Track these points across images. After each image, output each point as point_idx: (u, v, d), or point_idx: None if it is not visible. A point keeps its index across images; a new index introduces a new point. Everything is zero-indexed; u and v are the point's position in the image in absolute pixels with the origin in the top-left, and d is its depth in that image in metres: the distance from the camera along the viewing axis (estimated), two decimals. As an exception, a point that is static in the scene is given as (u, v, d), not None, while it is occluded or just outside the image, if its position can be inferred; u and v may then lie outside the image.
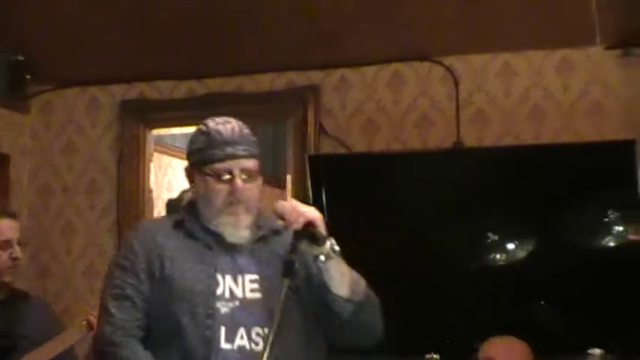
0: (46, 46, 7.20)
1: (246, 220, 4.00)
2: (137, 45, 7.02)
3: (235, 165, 3.96)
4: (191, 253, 4.01)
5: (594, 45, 6.46)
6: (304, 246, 3.82)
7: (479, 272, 6.43)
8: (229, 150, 3.98)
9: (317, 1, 6.64)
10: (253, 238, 4.05)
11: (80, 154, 7.35)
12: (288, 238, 3.88)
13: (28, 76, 7.21)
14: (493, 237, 6.44)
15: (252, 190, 3.94)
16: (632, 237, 6.17)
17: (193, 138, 4.18)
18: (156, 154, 7.51)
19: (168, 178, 7.85)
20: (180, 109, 7.21)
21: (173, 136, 7.88)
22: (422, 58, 6.77)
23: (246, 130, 4.14)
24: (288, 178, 7.07)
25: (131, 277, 4.00)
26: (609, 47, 6.43)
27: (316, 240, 3.79)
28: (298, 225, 3.78)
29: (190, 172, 4.17)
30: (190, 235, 4.04)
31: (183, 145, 7.85)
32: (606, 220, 6.25)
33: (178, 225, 4.09)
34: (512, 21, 6.53)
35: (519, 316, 6.09)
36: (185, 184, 7.79)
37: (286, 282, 3.73)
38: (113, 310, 3.96)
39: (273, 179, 7.37)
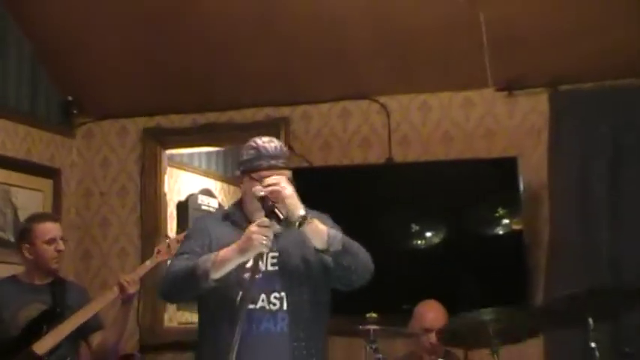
0: (87, 90, 7.31)
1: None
2: (155, 88, 7.15)
3: (277, 175, 4.08)
4: (231, 235, 4.09)
5: (488, 88, 6.59)
6: (272, 219, 3.91)
7: (406, 252, 6.62)
8: (272, 162, 4.11)
9: (289, 61, 6.74)
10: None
11: (113, 168, 7.42)
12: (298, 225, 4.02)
13: (75, 111, 7.31)
14: (415, 227, 6.66)
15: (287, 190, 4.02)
16: (514, 227, 6.42)
17: (244, 151, 4.23)
18: (169, 168, 7.54)
19: (178, 185, 7.82)
20: (187, 134, 7.35)
21: (182, 154, 7.88)
22: (363, 97, 6.90)
23: (285, 148, 4.24)
24: None
25: (194, 244, 4.15)
26: (498, 90, 6.61)
27: (277, 217, 3.88)
28: (268, 207, 3.93)
29: (240, 177, 4.26)
30: (234, 224, 4.18)
31: (189, 161, 8.14)
32: (496, 214, 6.48)
33: (226, 217, 4.29)
34: (428, 70, 6.66)
35: (435, 284, 6.23)
36: (189, 190, 8.02)
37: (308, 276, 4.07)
38: (175, 261, 4.16)
39: None
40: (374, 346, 5.30)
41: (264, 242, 3.83)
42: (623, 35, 6.12)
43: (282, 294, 4.07)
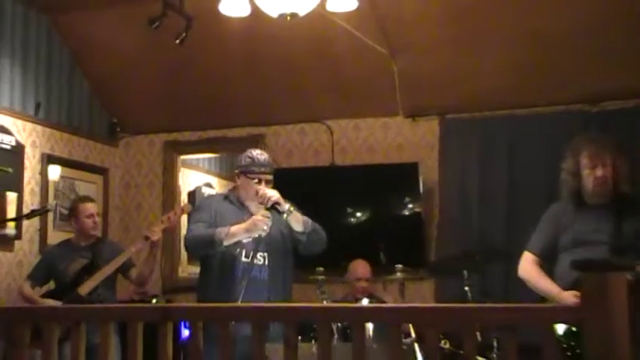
0: (127, 115, 7.33)
1: (261, 207, 4.20)
2: (172, 114, 7.17)
3: (263, 177, 4.25)
4: (231, 208, 4.29)
5: (399, 116, 6.67)
6: (273, 212, 4.13)
7: (344, 226, 6.60)
8: (262, 169, 4.26)
9: (265, 93, 6.74)
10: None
11: (144, 168, 7.44)
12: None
13: (118, 129, 7.36)
14: (350, 210, 6.70)
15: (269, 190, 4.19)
16: (415, 210, 6.46)
17: (242, 157, 4.32)
18: (182, 169, 7.52)
19: (188, 180, 7.75)
20: (194, 145, 7.36)
21: (191, 159, 7.77)
22: (315, 121, 6.92)
23: (270, 160, 4.35)
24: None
25: (208, 217, 4.25)
26: (406, 117, 6.65)
27: (279, 211, 4.12)
28: (269, 203, 4.10)
29: (238, 175, 4.32)
30: (231, 202, 4.32)
31: (196, 163, 8.06)
32: (403, 201, 6.52)
33: (226, 198, 4.39)
34: (360, 103, 6.69)
35: (363, 248, 6.15)
36: (195, 183, 7.94)
37: (282, 246, 4.26)
38: (192, 227, 4.28)
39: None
40: (321, 290, 5.30)
41: (265, 227, 4.06)
42: (492, 79, 6.16)
43: (265, 254, 4.21)
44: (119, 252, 5.33)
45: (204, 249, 4.24)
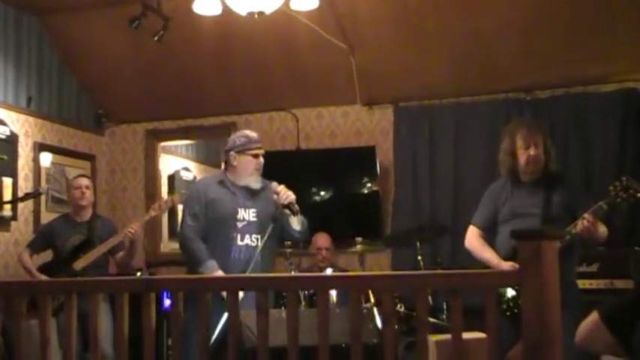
0: (111, 106, 7.24)
1: (259, 178, 4.25)
2: (153, 105, 7.08)
3: (260, 152, 4.24)
4: (225, 196, 4.20)
5: (357, 104, 6.64)
6: (286, 210, 4.08)
7: (309, 204, 6.31)
8: (258, 144, 4.25)
9: (236, 86, 6.69)
10: (259, 188, 4.23)
11: (128, 155, 7.35)
12: (268, 193, 4.16)
13: (104, 119, 7.26)
14: (314, 189, 6.64)
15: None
16: (373, 188, 6.44)
17: (237, 139, 4.26)
18: (162, 154, 7.45)
19: (168, 165, 7.69)
20: (173, 133, 7.29)
21: (170, 146, 7.69)
22: (282, 109, 6.86)
23: (260, 138, 4.32)
24: (222, 164, 6.96)
25: (200, 208, 4.17)
26: (363, 105, 6.62)
27: (292, 210, 4.05)
28: (285, 201, 4.04)
29: (231, 154, 4.21)
30: (226, 187, 4.21)
31: (175, 150, 7.95)
32: (362, 181, 6.51)
33: (220, 182, 4.25)
34: (322, 93, 6.65)
35: (326, 222, 6.07)
36: (174, 168, 7.86)
37: (270, 226, 4.04)
38: (190, 222, 4.17)
39: (215, 165, 7.37)
40: (289, 261, 5.34)
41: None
42: (438, 71, 6.19)
43: (258, 236, 4.14)
44: (113, 229, 5.32)
45: (189, 263, 4.21)
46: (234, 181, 4.25)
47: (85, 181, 5.38)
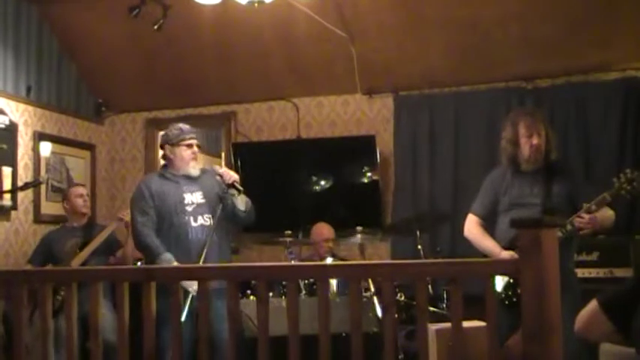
0: (111, 95, 7.20)
1: (197, 165, 4.40)
2: (153, 94, 7.07)
3: (194, 142, 4.38)
4: (168, 186, 4.33)
5: (357, 93, 6.63)
6: (231, 190, 4.25)
7: (309, 193, 6.58)
8: (191, 135, 4.39)
9: (237, 76, 6.68)
10: (198, 174, 4.39)
11: (128, 143, 7.35)
12: (209, 176, 4.36)
13: (103, 109, 7.23)
14: (314, 178, 6.62)
15: (198, 154, 4.39)
16: (373, 178, 6.41)
17: (171, 132, 4.42)
18: (161, 141, 7.39)
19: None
20: (172, 122, 6.62)
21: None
22: (282, 99, 6.84)
23: (194, 129, 4.47)
24: (222, 154, 7.09)
25: (145, 202, 4.28)
26: (364, 94, 6.60)
27: (237, 189, 4.23)
28: (229, 181, 4.24)
29: (166, 147, 4.39)
30: (168, 179, 4.36)
31: None
32: (363, 170, 6.47)
33: (161, 175, 4.42)
34: (322, 82, 6.63)
35: (326, 212, 6.23)
36: None
37: (219, 205, 4.23)
38: (139, 218, 4.28)
39: (215, 154, 7.53)
40: (289, 250, 5.37)
41: (194, 288, 3.79)
42: (439, 60, 6.20)
43: (210, 215, 4.30)
44: (109, 235, 5.42)
45: (147, 258, 4.30)
46: (174, 172, 4.40)
47: (84, 190, 5.62)
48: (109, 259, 5.43)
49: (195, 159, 4.41)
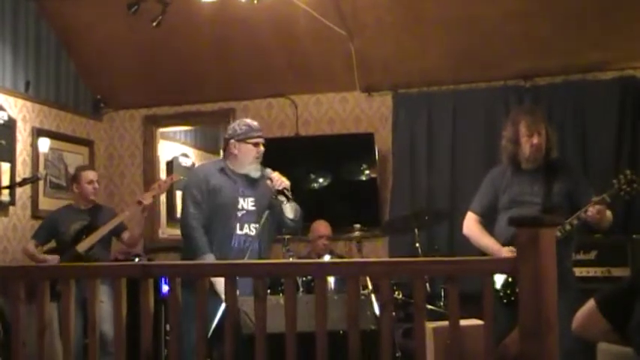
0: (110, 92, 7.20)
1: (259, 167, 4.23)
2: (152, 90, 7.06)
3: (261, 140, 4.23)
4: (226, 185, 4.18)
5: (356, 91, 6.62)
6: (280, 196, 4.07)
7: (307, 190, 6.52)
8: (259, 133, 4.24)
9: (236, 73, 6.67)
10: (259, 176, 4.20)
11: (126, 140, 7.35)
12: (265, 183, 4.16)
13: (102, 105, 7.23)
14: (313, 176, 6.64)
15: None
16: (371, 175, 6.45)
17: (238, 127, 4.22)
18: (160, 140, 7.43)
19: (166, 151, 7.63)
20: (172, 119, 7.28)
21: (168, 131, 7.68)
22: (281, 96, 6.83)
23: (261, 128, 4.29)
24: (221, 151, 6.97)
25: (201, 195, 4.14)
26: (362, 92, 6.60)
27: (286, 196, 4.06)
28: (280, 187, 4.06)
29: (231, 142, 4.19)
30: (227, 175, 4.20)
31: (173, 135, 7.92)
32: (361, 168, 6.51)
33: (221, 170, 4.23)
34: (321, 79, 6.63)
35: (324, 210, 6.08)
36: (172, 154, 7.85)
37: (267, 212, 4.06)
38: (192, 210, 4.14)
39: (213, 151, 7.47)
40: (287, 248, 5.35)
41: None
42: (437, 58, 6.19)
43: (256, 225, 4.13)
44: (114, 216, 5.42)
45: (188, 251, 4.16)
46: (234, 169, 4.23)
47: (95, 175, 5.53)
48: (119, 239, 5.47)
49: (259, 159, 4.24)
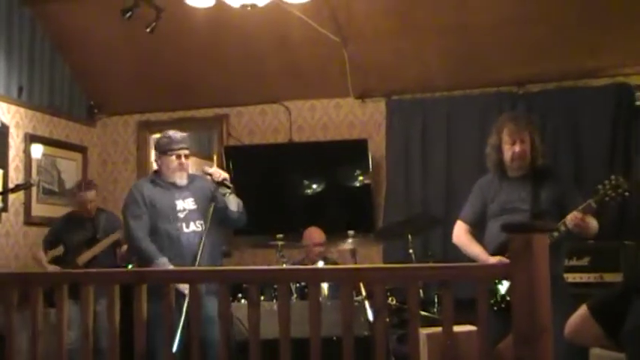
0: (103, 98, 7.20)
1: (184, 175, 4.32)
2: (145, 97, 7.05)
3: (182, 152, 4.30)
4: (160, 192, 4.28)
5: (349, 97, 6.63)
6: (221, 188, 4.20)
7: (301, 196, 6.63)
8: (181, 145, 4.31)
9: (229, 79, 6.66)
10: (185, 183, 4.32)
11: (120, 146, 7.34)
12: (199, 181, 4.32)
13: (96, 111, 7.23)
14: (306, 182, 6.65)
15: (188, 163, 4.33)
16: (365, 181, 6.44)
17: (160, 139, 4.40)
18: (153, 146, 7.41)
19: None
20: (165, 125, 6.94)
21: None
22: (274, 102, 6.85)
23: (185, 136, 4.38)
24: (215, 157, 7.06)
25: (138, 208, 4.23)
26: (356, 98, 6.61)
27: (227, 187, 4.18)
28: (219, 179, 4.19)
29: (155, 155, 4.40)
30: (159, 185, 4.31)
31: None
32: (355, 173, 6.50)
33: (152, 181, 4.35)
34: (315, 85, 6.62)
35: (318, 216, 6.24)
36: None
37: (212, 205, 4.15)
38: (133, 223, 4.22)
39: (207, 157, 7.45)
40: (281, 254, 5.34)
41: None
42: (431, 65, 6.22)
43: (202, 221, 4.23)
44: (115, 223, 5.59)
45: (141, 263, 4.24)
46: (164, 178, 4.36)
47: (93, 195, 5.75)
48: (116, 251, 5.66)
49: (182, 169, 4.33)
